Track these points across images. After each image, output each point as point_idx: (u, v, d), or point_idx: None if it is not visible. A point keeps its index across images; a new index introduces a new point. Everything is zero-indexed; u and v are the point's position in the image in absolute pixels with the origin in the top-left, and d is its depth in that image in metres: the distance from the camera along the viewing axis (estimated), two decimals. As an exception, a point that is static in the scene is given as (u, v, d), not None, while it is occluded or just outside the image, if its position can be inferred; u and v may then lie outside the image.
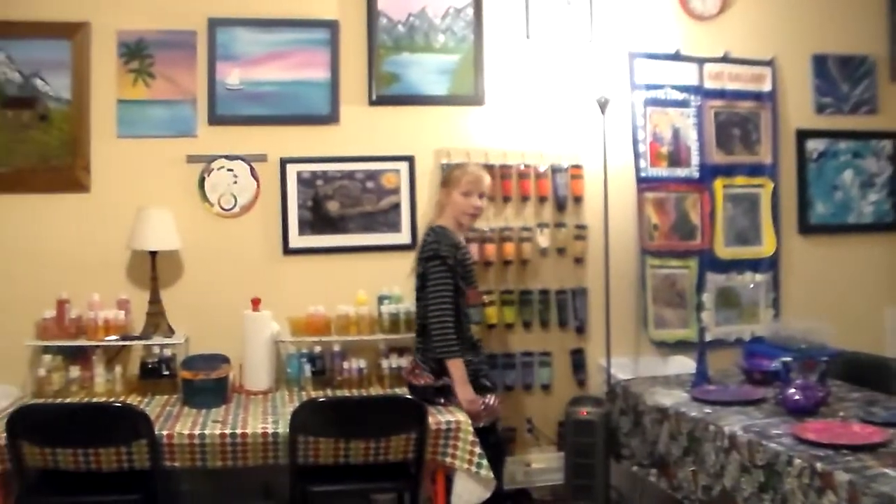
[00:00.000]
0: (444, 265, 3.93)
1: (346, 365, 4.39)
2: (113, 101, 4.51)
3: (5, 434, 3.42)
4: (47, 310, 4.23)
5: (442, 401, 3.93)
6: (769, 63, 5.18)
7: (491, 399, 4.03)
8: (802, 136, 5.28)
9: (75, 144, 4.46)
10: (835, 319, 4.64)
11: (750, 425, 3.34)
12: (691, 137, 5.07)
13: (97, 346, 4.26)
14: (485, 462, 3.69)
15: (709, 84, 5.09)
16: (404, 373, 4.21)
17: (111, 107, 4.51)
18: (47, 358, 4.20)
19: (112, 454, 3.48)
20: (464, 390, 3.90)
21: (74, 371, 4.19)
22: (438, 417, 3.74)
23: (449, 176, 4.21)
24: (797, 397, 3.49)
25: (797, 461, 2.91)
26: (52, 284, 4.32)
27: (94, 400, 4.10)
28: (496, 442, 4.12)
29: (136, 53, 4.52)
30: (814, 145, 5.29)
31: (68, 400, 4.08)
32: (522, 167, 4.78)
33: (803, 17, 5.26)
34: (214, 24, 4.57)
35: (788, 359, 3.70)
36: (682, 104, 5.05)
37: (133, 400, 4.06)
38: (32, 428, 3.44)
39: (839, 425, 3.27)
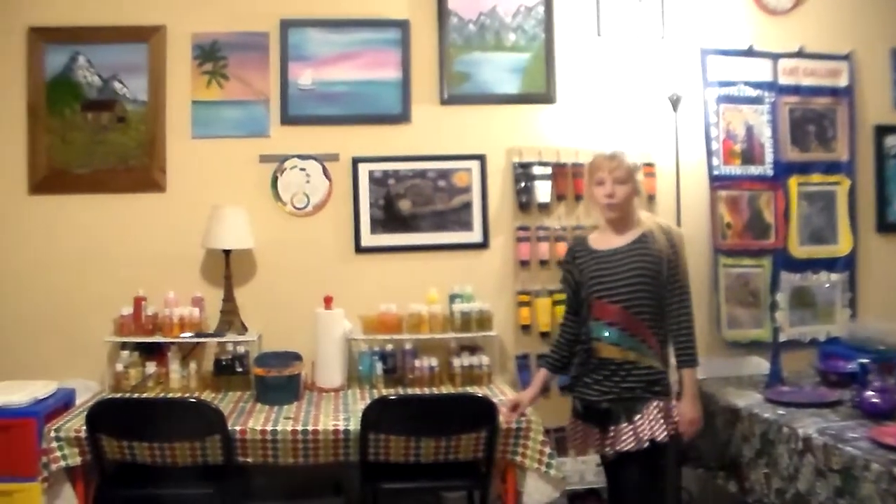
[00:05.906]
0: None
1: (417, 363, 4.41)
2: (187, 103, 4.60)
3: (85, 427, 3.52)
4: (125, 307, 4.33)
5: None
6: (846, 57, 5.07)
7: None
8: (881, 131, 5.15)
9: (152, 145, 4.55)
10: (914, 320, 4.56)
11: (825, 428, 3.28)
12: (765, 134, 4.98)
13: (172, 343, 4.34)
14: (555, 461, 3.68)
15: (783, 80, 5.00)
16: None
17: (186, 108, 4.60)
18: (125, 354, 4.29)
19: (187, 449, 3.55)
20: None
21: (151, 367, 4.27)
22: (508, 416, 3.74)
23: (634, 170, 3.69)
24: (875, 400, 3.42)
25: (875, 466, 2.85)
26: (130, 282, 4.41)
27: (170, 395, 4.17)
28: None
29: (210, 55, 4.60)
30: (892, 141, 5.16)
31: (145, 395, 4.16)
32: (594, 165, 4.76)
33: (882, 9, 5.13)
34: (286, 26, 4.63)
35: (866, 360, 3.64)
36: (756, 101, 4.97)
37: (207, 396, 4.12)
38: (111, 422, 3.53)
39: (918, 429, 3.20)
